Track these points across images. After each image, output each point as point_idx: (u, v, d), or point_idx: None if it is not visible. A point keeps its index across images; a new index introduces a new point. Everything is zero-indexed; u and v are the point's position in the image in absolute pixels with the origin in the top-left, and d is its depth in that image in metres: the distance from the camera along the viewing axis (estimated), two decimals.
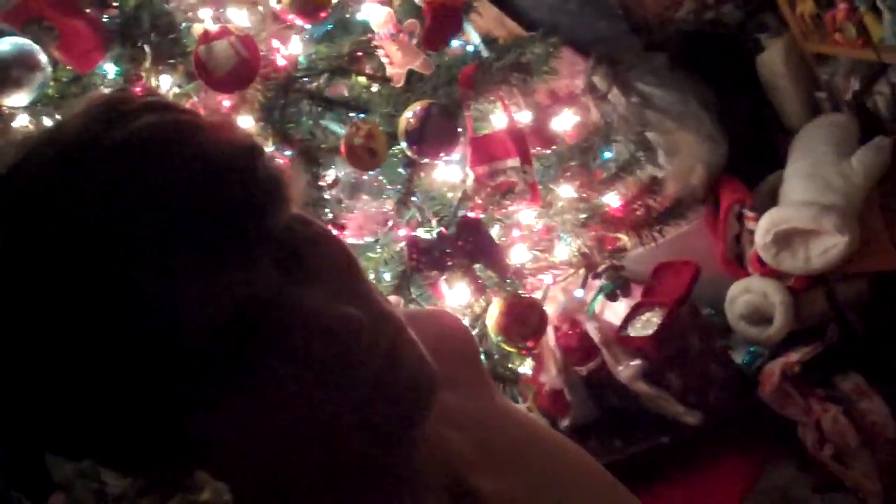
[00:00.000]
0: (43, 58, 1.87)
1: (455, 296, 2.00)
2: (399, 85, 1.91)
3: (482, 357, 1.98)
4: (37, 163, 0.61)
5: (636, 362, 2.36)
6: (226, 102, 1.85)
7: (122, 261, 0.58)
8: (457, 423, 0.86)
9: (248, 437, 0.66)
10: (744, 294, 2.45)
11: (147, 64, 1.81)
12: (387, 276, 2.02)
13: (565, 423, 2.49)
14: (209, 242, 0.59)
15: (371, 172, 1.92)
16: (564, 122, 2.23)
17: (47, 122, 1.95)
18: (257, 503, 0.77)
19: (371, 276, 2.01)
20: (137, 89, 1.83)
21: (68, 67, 1.91)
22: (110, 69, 1.88)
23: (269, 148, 1.87)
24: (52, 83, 1.92)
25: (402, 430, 0.72)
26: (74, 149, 0.61)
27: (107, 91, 1.89)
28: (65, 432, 0.65)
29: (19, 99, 1.87)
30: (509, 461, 0.85)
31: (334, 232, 0.74)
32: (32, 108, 1.94)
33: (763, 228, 2.32)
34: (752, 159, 2.65)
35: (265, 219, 0.63)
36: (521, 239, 2.12)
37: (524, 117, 2.10)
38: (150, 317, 0.58)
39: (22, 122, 1.96)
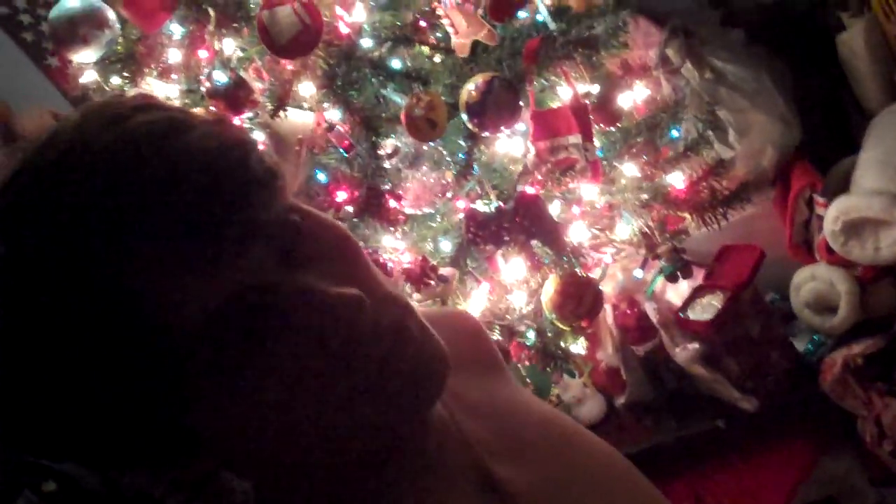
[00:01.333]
0: (111, 16, 1.90)
1: (511, 271, 1.99)
2: (463, 55, 1.90)
3: (532, 336, 1.99)
4: (34, 167, 0.63)
5: (694, 345, 2.32)
6: (288, 68, 1.85)
7: (119, 257, 0.59)
8: (476, 414, 0.87)
9: (256, 428, 0.66)
10: (809, 281, 2.40)
11: (211, 27, 1.82)
12: (445, 247, 2.02)
13: (621, 400, 2.47)
14: (204, 234, 0.61)
15: (431, 143, 1.91)
16: (633, 96, 2.19)
17: (115, 79, 1.97)
18: (276, 497, 0.77)
19: (429, 246, 2.01)
20: (202, 52, 1.85)
21: (136, 26, 1.93)
22: (176, 30, 1.90)
23: (330, 115, 1.87)
24: (119, 41, 1.95)
25: (414, 409, 0.73)
26: (69, 152, 0.62)
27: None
28: (67, 436, 0.65)
29: (87, 55, 1.91)
30: (529, 452, 0.86)
31: (328, 216, 0.74)
32: (101, 65, 1.97)
33: (832, 216, 2.26)
34: (825, 143, 2.58)
35: (258, 210, 0.64)
36: (581, 216, 2.09)
37: (590, 90, 2.07)
38: (149, 309, 0.59)
39: (91, 77, 2.00)
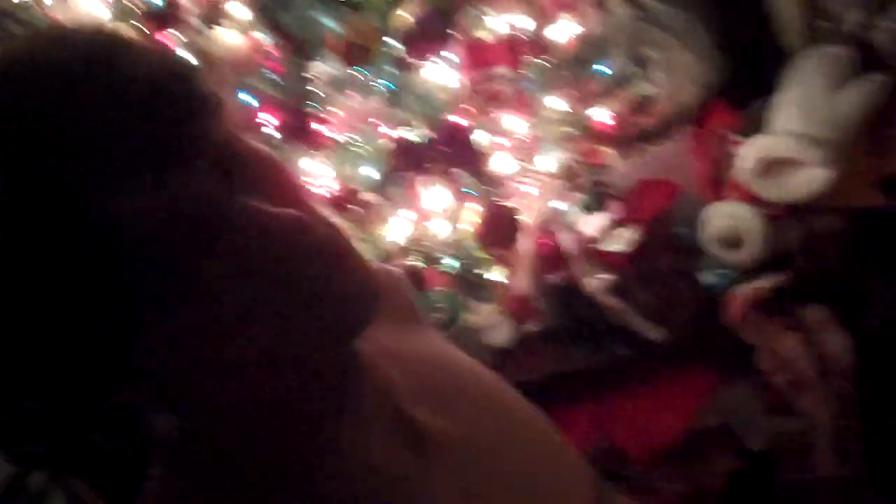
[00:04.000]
0: None
1: (432, 198, 2.02)
2: None
3: (454, 263, 2.03)
4: None
5: (606, 276, 2.38)
6: None
7: (63, 163, 0.60)
8: (395, 362, 0.88)
9: (197, 353, 0.67)
10: (719, 217, 2.46)
11: None
12: (367, 173, 2.03)
13: (531, 327, 2.53)
14: (146, 149, 0.61)
15: (360, 69, 1.91)
16: (562, 30, 2.20)
17: None
18: (206, 427, 0.79)
19: (353, 172, 2.02)
20: None
21: None
22: None
23: (260, 36, 1.85)
24: None
25: (347, 332, 0.75)
26: (13, 67, 0.63)
27: None
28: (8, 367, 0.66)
29: None
30: (451, 402, 0.89)
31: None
32: None
33: (746, 154, 2.32)
34: (744, 84, 2.62)
35: (199, 129, 0.65)
36: (505, 147, 2.12)
37: (521, 23, 2.08)
38: (91, 226, 0.60)
39: None
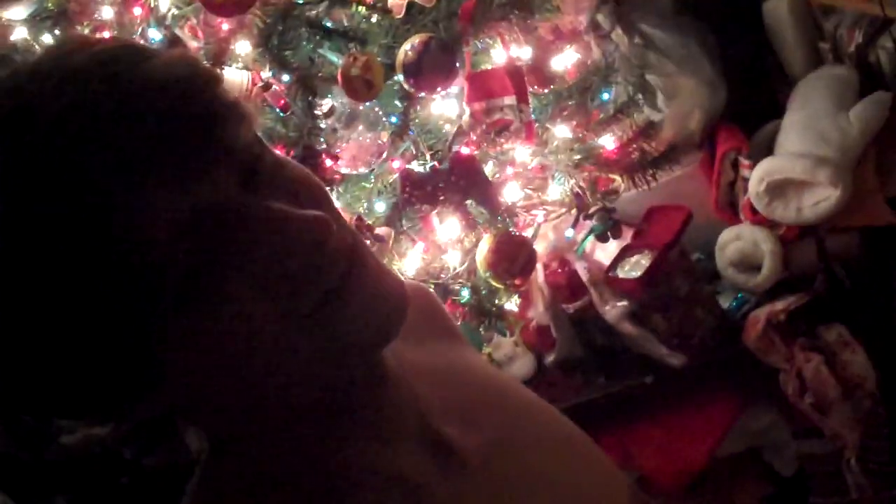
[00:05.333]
0: None
1: (446, 230, 2.02)
2: (399, 16, 1.91)
3: (467, 294, 2.02)
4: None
5: (623, 303, 2.38)
6: (224, 26, 1.85)
7: (85, 172, 0.59)
8: (428, 378, 0.87)
9: (214, 354, 0.66)
10: (734, 241, 2.47)
11: None
12: (379, 207, 2.04)
13: (550, 358, 2.52)
14: (170, 152, 0.61)
15: (367, 104, 1.93)
16: (565, 60, 2.22)
17: (47, 38, 1.95)
18: (231, 439, 0.78)
19: (363, 207, 2.03)
20: (136, 10, 1.84)
21: None
22: None
23: (266, 74, 1.87)
24: None
25: (372, 344, 0.74)
26: (36, 75, 0.62)
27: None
28: (29, 367, 0.64)
29: (18, 12, 1.88)
30: (480, 415, 0.87)
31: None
32: (31, 22, 1.95)
33: (757, 177, 2.32)
34: (750, 107, 2.64)
35: (224, 132, 0.64)
36: (515, 177, 2.13)
37: (524, 54, 2.09)
38: (112, 229, 0.59)
39: (21, 34, 1.97)
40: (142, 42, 0.71)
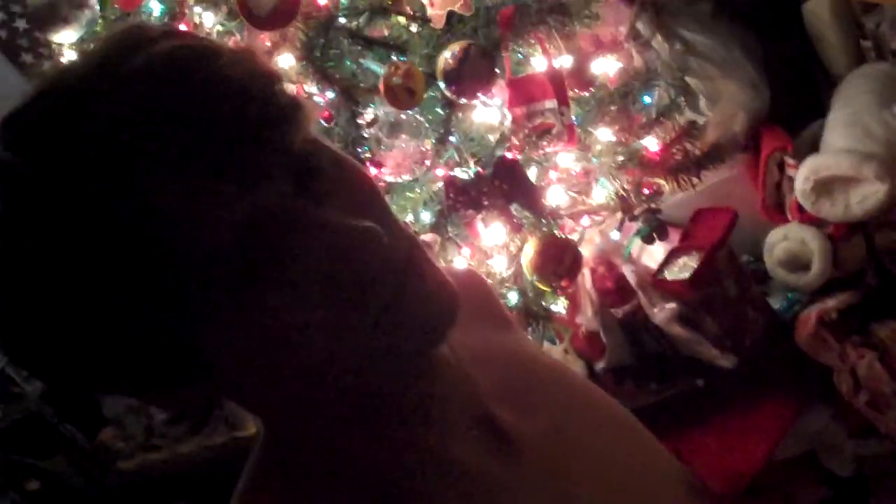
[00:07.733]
0: None
1: (491, 235, 2.04)
2: (439, 26, 1.94)
3: (514, 297, 2.03)
4: (57, 88, 0.63)
5: (672, 305, 2.37)
6: (267, 44, 1.89)
7: (144, 173, 0.60)
8: (483, 364, 0.88)
9: (266, 357, 0.67)
10: (782, 241, 2.45)
11: (191, 1, 1.85)
12: (425, 216, 2.06)
13: (601, 364, 2.51)
14: (225, 156, 0.61)
15: (410, 112, 1.95)
16: (605, 67, 2.23)
17: None
18: (281, 431, 0.79)
19: (409, 216, 2.05)
20: (181, 27, 1.88)
21: (115, 5, 1.96)
22: (155, 6, 1.93)
23: (309, 87, 1.91)
24: (99, 21, 1.97)
25: (424, 345, 0.74)
26: (94, 75, 0.63)
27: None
28: (83, 359, 0.66)
29: (68, 36, 1.94)
30: (535, 401, 0.88)
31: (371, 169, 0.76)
32: (81, 45, 2.00)
33: (803, 176, 2.31)
34: (794, 107, 2.63)
35: (281, 135, 0.64)
36: (559, 181, 2.14)
37: (564, 61, 2.11)
38: (173, 225, 0.60)
39: (70, 57, 2.02)
40: (207, 39, 0.70)
